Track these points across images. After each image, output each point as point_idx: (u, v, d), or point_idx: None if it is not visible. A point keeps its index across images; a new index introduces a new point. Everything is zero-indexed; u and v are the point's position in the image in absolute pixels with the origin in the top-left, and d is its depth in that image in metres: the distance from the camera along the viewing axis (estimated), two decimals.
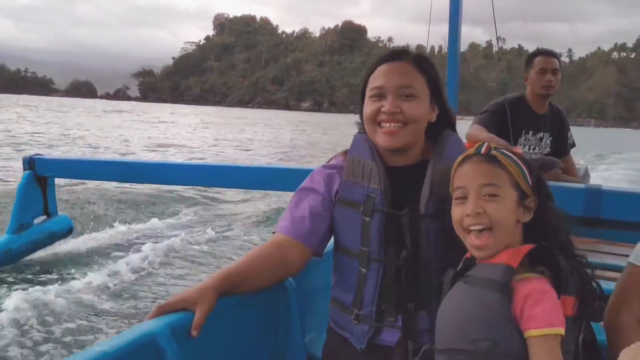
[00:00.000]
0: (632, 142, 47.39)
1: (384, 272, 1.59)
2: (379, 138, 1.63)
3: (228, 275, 1.54)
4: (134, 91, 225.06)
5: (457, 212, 1.34)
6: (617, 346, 1.37)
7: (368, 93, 1.66)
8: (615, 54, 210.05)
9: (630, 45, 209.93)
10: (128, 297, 4.70)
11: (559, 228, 1.31)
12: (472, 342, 1.22)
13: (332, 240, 1.77)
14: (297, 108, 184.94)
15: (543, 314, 1.17)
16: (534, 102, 3.77)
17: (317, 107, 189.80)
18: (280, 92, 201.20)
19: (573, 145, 4.07)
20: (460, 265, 1.38)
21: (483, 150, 1.33)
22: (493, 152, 1.32)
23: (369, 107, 1.65)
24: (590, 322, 1.40)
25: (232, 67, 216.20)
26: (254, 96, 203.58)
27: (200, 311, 1.41)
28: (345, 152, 1.76)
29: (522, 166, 1.32)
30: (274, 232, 1.75)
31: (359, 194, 1.64)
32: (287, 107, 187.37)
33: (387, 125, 1.60)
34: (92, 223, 7.26)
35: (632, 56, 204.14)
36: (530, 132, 3.77)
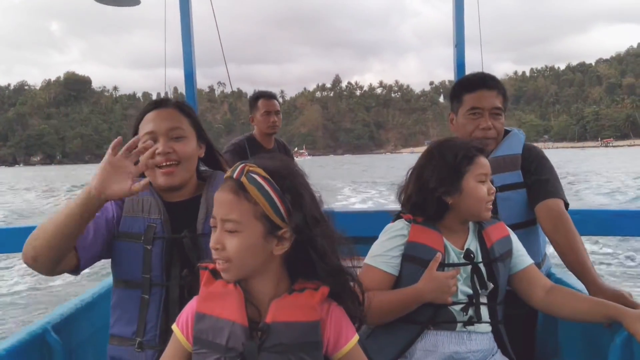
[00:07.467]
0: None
1: (167, 294, 1.66)
2: (158, 179, 1.74)
3: None
4: None
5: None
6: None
7: (141, 140, 1.72)
8: (318, 93, 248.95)
9: (328, 85, 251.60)
10: None
11: (328, 248, 1.27)
12: None
13: (104, 284, 1.78)
14: (28, 163, 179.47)
15: None
16: (262, 139, 4.19)
17: (49, 160, 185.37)
18: (5, 147, 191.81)
19: None
20: None
21: (235, 174, 1.26)
22: (243, 178, 1.24)
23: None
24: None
25: None
26: None
27: None
28: None
29: (273, 196, 1.24)
30: None
31: (140, 226, 1.71)
32: (15, 163, 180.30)
33: (164, 164, 1.72)
34: None
35: (332, 95, 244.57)
36: None
